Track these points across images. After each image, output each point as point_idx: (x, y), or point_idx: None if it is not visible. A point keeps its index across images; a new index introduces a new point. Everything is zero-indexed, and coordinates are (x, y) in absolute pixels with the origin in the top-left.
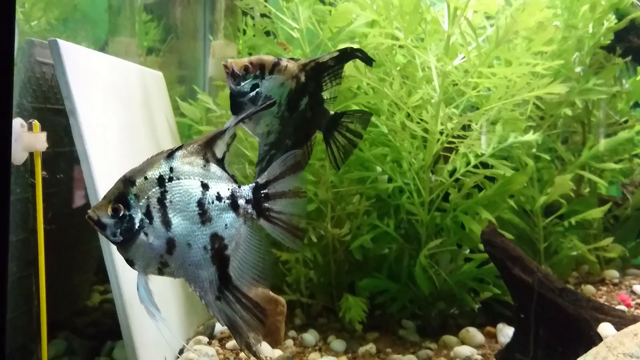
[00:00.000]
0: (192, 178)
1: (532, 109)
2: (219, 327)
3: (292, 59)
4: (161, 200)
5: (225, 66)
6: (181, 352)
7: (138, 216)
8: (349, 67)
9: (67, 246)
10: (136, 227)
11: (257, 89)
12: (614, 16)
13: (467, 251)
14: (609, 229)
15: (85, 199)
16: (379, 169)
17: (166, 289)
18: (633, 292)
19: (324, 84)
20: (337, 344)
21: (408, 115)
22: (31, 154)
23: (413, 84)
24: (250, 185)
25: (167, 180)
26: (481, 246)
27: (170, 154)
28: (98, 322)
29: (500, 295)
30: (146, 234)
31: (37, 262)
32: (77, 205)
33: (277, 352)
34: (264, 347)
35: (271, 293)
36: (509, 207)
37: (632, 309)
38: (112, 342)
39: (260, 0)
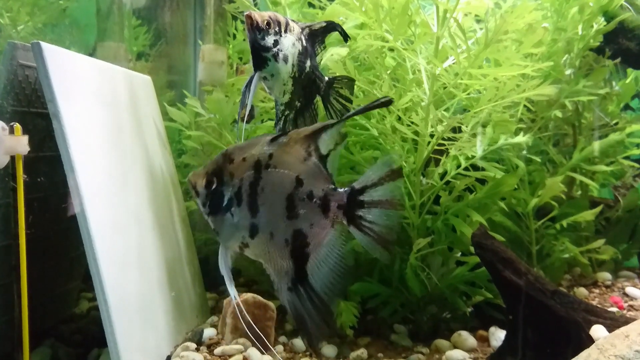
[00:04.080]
0: (288, 170)
1: (523, 111)
2: (207, 333)
3: (293, 20)
4: (253, 186)
5: (249, 17)
6: (168, 358)
7: (228, 195)
8: (339, 70)
9: (52, 252)
10: (224, 204)
11: (277, 46)
12: (602, 18)
13: (459, 254)
14: (600, 231)
15: (70, 204)
16: None
17: (154, 295)
18: (625, 294)
19: (315, 50)
20: (328, 349)
21: (398, 118)
22: (12, 158)
23: (403, 87)
24: (345, 189)
25: (263, 167)
26: (472, 249)
27: (273, 139)
28: (85, 329)
29: (492, 298)
30: (232, 214)
31: (18, 268)
32: (62, 210)
33: (267, 358)
34: (253, 353)
35: (261, 298)
36: (500, 210)
37: (625, 311)
38: (99, 350)
39: (249, 4)
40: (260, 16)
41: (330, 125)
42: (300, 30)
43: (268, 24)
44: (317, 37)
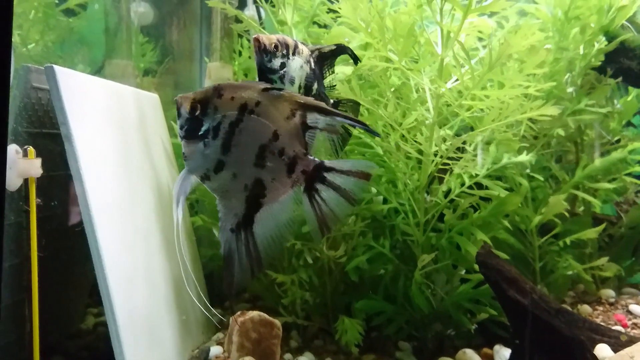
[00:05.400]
0: (269, 122)
1: (526, 128)
2: (214, 351)
3: (303, 43)
4: (232, 125)
5: (257, 40)
6: None
7: (206, 125)
8: (344, 89)
9: (60, 268)
10: (200, 133)
11: (284, 68)
12: (604, 38)
13: (463, 272)
14: (603, 248)
15: (77, 221)
16: (374, 190)
17: (161, 312)
18: (629, 312)
19: (324, 72)
20: None
21: (402, 136)
22: (26, 180)
23: (407, 105)
24: (316, 160)
25: (247, 111)
26: (477, 267)
27: (266, 89)
28: (91, 346)
29: (497, 316)
30: (205, 145)
31: (30, 288)
32: (69, 227)
33: None
34: None
35: (266, 316)
36: (504, 227)
37: (629, 329)
38: None
39: (254, 24)
40: (268, 39)
41: (326, 112)
42: (310, 53)
43: (276, 47)
44: (326, 59)
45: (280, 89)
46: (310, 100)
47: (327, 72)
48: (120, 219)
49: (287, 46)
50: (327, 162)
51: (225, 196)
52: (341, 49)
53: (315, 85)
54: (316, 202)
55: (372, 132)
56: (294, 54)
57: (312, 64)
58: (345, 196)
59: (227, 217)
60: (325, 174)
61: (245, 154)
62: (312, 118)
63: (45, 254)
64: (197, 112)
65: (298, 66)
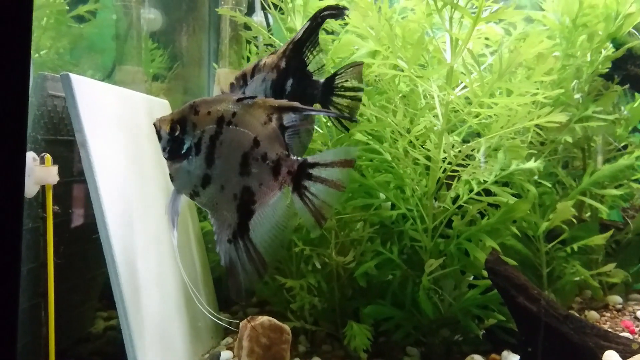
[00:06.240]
0: (248, 130)
1: (533, 135)
2: (224, 356)
3: (274, 52)
4: (213, 139)
5: (220, 92)
6: None
7: (188, 143)
8: None
9: (74, 274)
10: (183, 151)
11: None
12: (611, 45)
13: (471, 277)
14: (610, 254)
15: (94, 228)
16: (382, 195)
17: (172, 317)
18: (637, 319)
19: (306, 59)
20: None
21: (411, 142)
22: (42, 187)
23: (415, 112)
24: (299, 159)
25: (225, 123)
26: (485, 273)
27: (240, 100)
28: (102, 350)
29: (505, 322)
30: (189, 162)
31: (46, 294)
32: (81, 232)
33: None
34: None
35: (276, 321)
36: (512, 234)
37: (636, 336)
38: None
39: (264, 31)
40: (226, 85)
41: (300, 110)
42: (280, 55)
43: (232, 86)
44: (303, 45)
45: (253, 97)
46: (283, 102)
47: (311, 54)
48: (133, 224)
49: (244, 76)
50: (310, 158)
51: (216, 209)
52: (315, 22)
53: (290, 82)
54: (307, 199)
55: (346, 118)
56: (252, 75)
57: (283, 63)
58: (334, 186)
59: (222, 229)
60: (310, 171)
61: (229, 165)
62: (288, 118)
63: (60, 259)
64: (177, 132)
65: (259, 83)
